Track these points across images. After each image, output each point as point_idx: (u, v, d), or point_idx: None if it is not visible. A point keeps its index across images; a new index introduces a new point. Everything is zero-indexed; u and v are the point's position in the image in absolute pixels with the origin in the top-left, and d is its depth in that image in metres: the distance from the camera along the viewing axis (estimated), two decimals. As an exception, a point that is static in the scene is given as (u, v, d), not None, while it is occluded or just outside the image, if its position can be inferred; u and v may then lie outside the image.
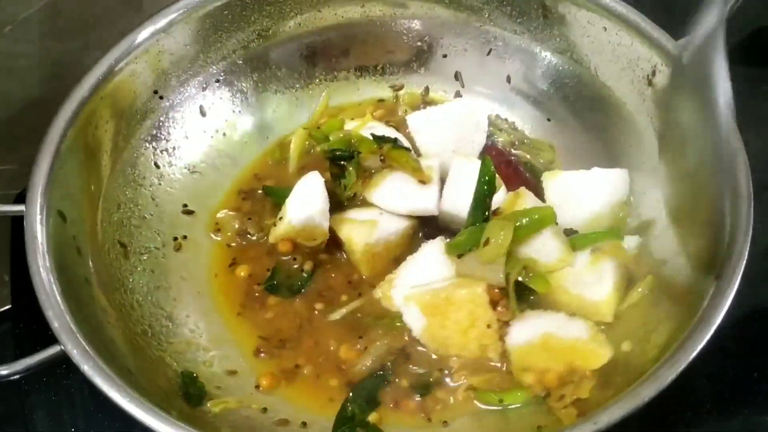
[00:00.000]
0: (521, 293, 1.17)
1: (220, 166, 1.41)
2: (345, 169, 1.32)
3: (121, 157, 1.29)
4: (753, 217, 1.06)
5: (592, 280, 1.17)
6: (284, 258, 1.29)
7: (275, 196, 1.34)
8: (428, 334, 1.17)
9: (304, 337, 1.22)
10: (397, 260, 1.25)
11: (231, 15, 1.38)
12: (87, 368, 0.94)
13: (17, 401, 1.24)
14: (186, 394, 1.10)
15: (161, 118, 1.36)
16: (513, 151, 1.41)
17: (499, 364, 1.16)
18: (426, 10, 1.47)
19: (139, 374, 1.05)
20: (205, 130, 1.41)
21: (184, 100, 1.39)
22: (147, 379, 1.06)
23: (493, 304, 1.14)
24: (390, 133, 1.36)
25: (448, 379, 1.16)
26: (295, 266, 1.28)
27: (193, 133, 1.40)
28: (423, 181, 1.29)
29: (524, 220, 1.16)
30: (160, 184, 1.34)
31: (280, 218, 1.26)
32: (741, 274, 1.01)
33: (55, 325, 0.98)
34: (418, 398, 1.15)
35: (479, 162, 1.25)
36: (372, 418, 1.12)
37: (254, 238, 1.33)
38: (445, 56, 1.50)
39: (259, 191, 1.38)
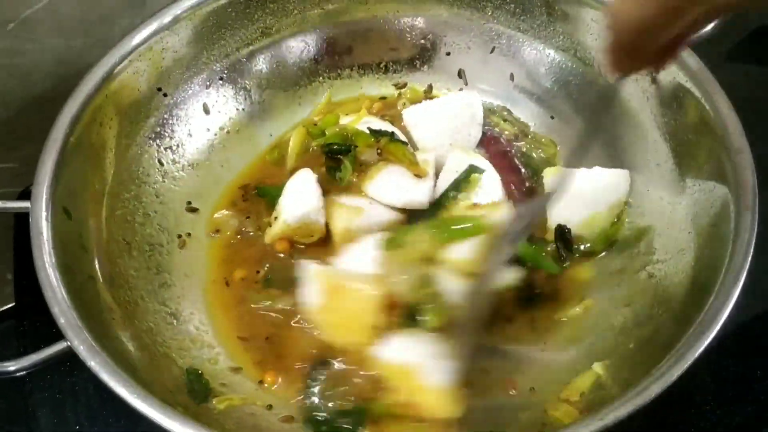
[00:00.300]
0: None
1: (224, 164, 1.41)
2: (341, 162, 1.33)
3: (125, 154, 1.29)
4: (758, 215, 1.06)
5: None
6: (281, 256, 1.29)
7: (269, 196, 1.34)
8: (320, 314, 1.17)
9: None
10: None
11: (234, 13, 1.38)
12: (94, 364, 0.94)
13: (21, 399, 1.23)
14: (191, 390, 1.10)
15: (165, 116, 1.36)
16: (515, 143, 1.41)
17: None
18: (429, 7, 1.47)
19: (144, 371, 1.05)
20: (209, 127, 1.41)
21: (187, 98, 1.38)
22: (152, 375, 1.06)
23: (391, 308, 1.14)
24: (386, 127, 1.36)
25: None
26: (293, 261, 1.28)
27: (196, 130, 1.40)
28: (418, 175, 1.29)
29: (454, 229, 1.17)
30: (163, 182, 1.34)
31: (275, 218, 1.27)
32: (746, 271, 1.00)
33: (62, 321, 0.98)
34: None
35: (476, 156, 1.28)
36: None
37: (252, 235, 1.33)
38: (448, 54, 1.50)
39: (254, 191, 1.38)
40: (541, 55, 1.44)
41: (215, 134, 1.42)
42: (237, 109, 1.44)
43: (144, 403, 0.92)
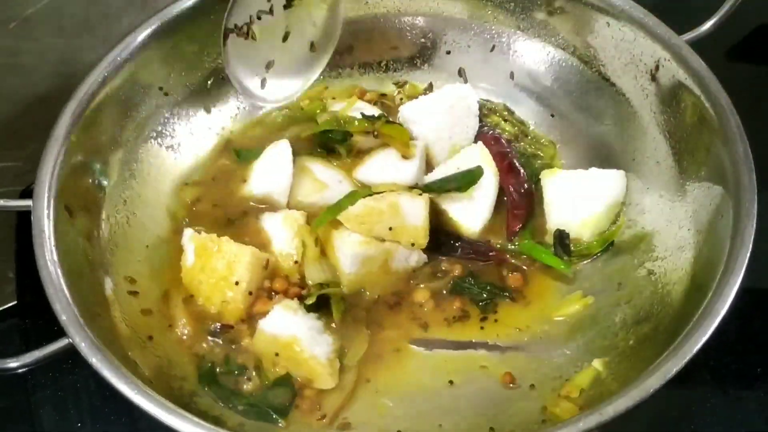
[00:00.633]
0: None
1: (225, 164, 1.40)
2: (336, 150, 1.34)
3: (127, 153, 1.30)
4: (757, 212, 1.06)
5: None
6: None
7: (246, 160, 1.36)
8: (188, 273, 1.20)
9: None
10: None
11: (236, 12, 1.39)
12: (95, 361, 0.95)
13: (23, 397, 1.24)
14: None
15: (166, 115, 1.36)
16: (515, 144, 1.40)
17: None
18: (430, 6, 1.47)
19: (145, 367, 1.06)
20: (210, 126, 1.42)
21: (188, 97, 1.39)
22: (153, 371, 1.07)
23: (284, 281, 1.21)
24: (377, 112, 1.38)
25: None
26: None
27: (198, 129, 1.40)
28: (406, 157, 1.31)
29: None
30: (165, 181, 1.35)
31: (244, 180, 1.32)
32: (744, 268, 1.01)
33: (63, 318, 0.98)
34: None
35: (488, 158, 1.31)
36: None
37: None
38: (448, 53, 1.50)
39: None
40: (541, 53, 1.44)
41: (217, 133, 1.43)
42: (238, 108, 1.45)
43: (145, 399, 0.92)
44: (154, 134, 1.35)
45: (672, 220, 1.22)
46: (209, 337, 1.18)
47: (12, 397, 1.29)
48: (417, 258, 1.26)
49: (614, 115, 1.37)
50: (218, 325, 1.18)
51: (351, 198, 1.22)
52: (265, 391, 1.12)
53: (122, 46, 1.27)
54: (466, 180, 1.28)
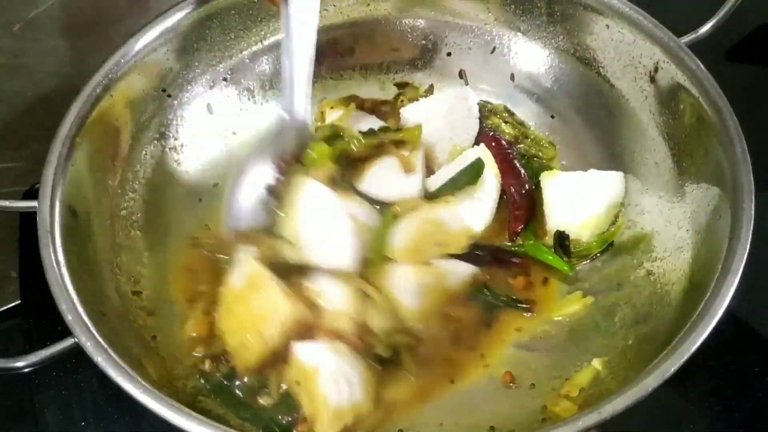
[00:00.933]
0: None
1: (228, 165, 1.41)
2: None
3: (130, 154, 1.30)
4: (755, 213, 1.06)
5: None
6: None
7: None
8: (228, 293, 1.15)
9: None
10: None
11: (238, 14, 1.39)
12: (101, 360, 0.95)
13: (27, 397, 1.24)
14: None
15: (169, 116, 1.37)
16: (515, 145, 1.41)
17: None
18: (431, 8, 1.48)
19: (148, 366, 1.07)
20: (213, 128, 1.43)
21: (191, 99, 1.39)
22: (157, 371, 1.08)
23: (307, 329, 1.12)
24: (373, 121, 1.40)
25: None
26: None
27: (201, 131, 1.41)
28: (407, 168, 1.31)
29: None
30: (168, 182, 1.35)
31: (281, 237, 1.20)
32: (742, 268, 1.01)
33: (69, 317, 0.99)
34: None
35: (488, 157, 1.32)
36: None
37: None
38: (449, 54, 1.51)
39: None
40: (541, 55, 1.44)
41: (219, 134, 1.43)
42: (240, 110, 1.45)
43: (150, 398, 0.93)
44: (158, 136, 1.35)
45: (671, 220, 1.23)
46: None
47: (16, 396, 1.30)
48: (467, 270, 1.25)
49: (613, 116, 1.37)
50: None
51: (386, 227, 1.20)
52: (272, 408, 1.12)
53: (126, 48, 1.27)
54: (472, 173, 1.29)
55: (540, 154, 1.41)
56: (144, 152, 1.33)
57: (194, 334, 1.17)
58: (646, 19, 1.29)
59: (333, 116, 1.43)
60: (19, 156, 1.48)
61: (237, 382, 1.12)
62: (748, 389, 1.23)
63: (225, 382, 1.13)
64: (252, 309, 1.11)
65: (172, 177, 1.36)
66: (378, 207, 1.29)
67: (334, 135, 1.34)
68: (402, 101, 1.49)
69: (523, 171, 1.34)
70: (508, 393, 1.14)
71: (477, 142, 1.39)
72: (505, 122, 1.44)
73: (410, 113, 1.41)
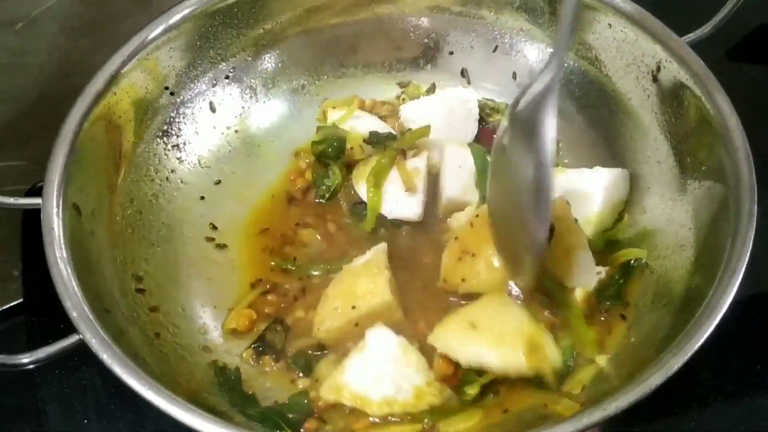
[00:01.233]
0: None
1: (231, 162, 1.42)
2: (329, 168, 1.36)
3: (134, 152, 1.30)
4: (758, 212, 1.07)
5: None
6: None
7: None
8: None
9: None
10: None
11: (240, 12, 1.40)
12: (106, 357, 0.95)
13: (30, 394, 1.25)
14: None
15: (172, 114, 1.37)
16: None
17: None
18: (433, 7, 1.48)
19: (152, 363, 1.07)
20: (216, 125, 1.43)
21: (194, 97, 1.40)
22: (161, 367, 1.08)
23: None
24: (376, 123, 1.40)
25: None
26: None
27: (203, 128, 1.41)
28: (409, 189, 1.31)
29: None
30: (171, 180, 1.36)
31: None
32: (744, 267, 1.02)
33: (74, 314, 0.99)
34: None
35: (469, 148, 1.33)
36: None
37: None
38: (451, 53, 1.51)
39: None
40: (543, 54, 1.45)
41: (222, 132, 1.43)
42: (243, 107, 1.46)
43: (156, 394, 0.93)
44: (161, 133, 1.35)
45: (673, 219, 1.23)
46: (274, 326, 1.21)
47: (19, 394, 1.30)
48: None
49: (615, 115, 1.37)
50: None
51: None
52: (281, 405, 1.13)
53: (129, 46, 1.27)
54: None
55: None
56: (147, 150, 1.33)
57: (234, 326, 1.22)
58: (649, 18, 1.29)
59: (335, 116, 1.43)
60: (21, 155, 1.48)
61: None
62: (750, 387, 1.23)
63: (233, 378, 1.14)
64: (358, 285, 1.18)
65: (175, 174, 1.36)
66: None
67: (335, 137, 1.35)
68: (403, 99, 1.49)
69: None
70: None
71: (477, 138, 1.40)
72: (508, 119, 1.44)
73: (410, 111, 1.41)
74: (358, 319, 1.16)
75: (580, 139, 1.42)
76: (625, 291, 1.22)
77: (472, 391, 1.11)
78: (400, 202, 1.31)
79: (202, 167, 1.40)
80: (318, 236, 1.34)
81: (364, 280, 1.18)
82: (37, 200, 1.11)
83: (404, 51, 1.52)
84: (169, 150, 1.36)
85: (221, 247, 1.33)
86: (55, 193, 1.11)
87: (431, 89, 1.51)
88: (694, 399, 1.21)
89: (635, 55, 1.32)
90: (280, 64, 1.47)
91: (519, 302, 1.15)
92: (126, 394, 0.94)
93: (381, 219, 1.32)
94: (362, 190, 1.33)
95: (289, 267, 1.30)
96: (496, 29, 1.47)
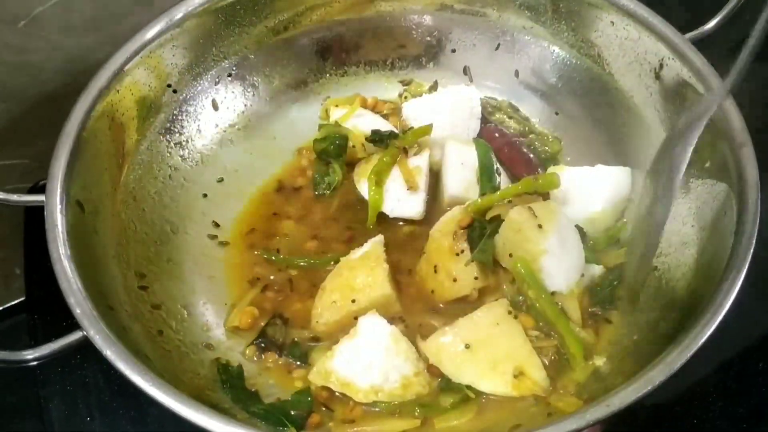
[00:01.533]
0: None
1: (233, 160, 1.42)
2: (330, 165, 1.37)
3: (136, 149, 1.31)
4: (760, 209, 1.07)
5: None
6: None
7: None
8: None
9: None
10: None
11: (243, 10, 1.40)
12: (109, 353, 0.96)
13: (33, 391, 1.25)
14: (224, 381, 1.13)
15: (175, 112, 1.37)
16: (520, 138, 1.42)
17: None
18: (436, 5, 1.48)
19: (155, 360, 1.07)
20: (218, 123, 1.43)
21: (197, 94, 1.40)
22: (164, 363, 1.09)
23: None
24: (378, 121, 1.40)
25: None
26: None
27: (206, 126, 1.41)
28: (411, 187, 1.31)
29: None
30: (174, 177, 1.35)
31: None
32: (748, 264, 1.02)
33: (78, 311, 0.99)
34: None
35: (472, 144, 1.33)
36: None
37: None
38: (454, 51, 1.51)
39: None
40: (545, 51, 1.45)
41: (224, 130, 1.44)
42: (245, 105, 1.46)
43: (160, 391, 0.93)
44: (163, 131, 1.36)
45: (676, 216, 1.23)
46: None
47: (21, 392, 1.30)
48: None
49: (618, 113, 1.38)
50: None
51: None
52: (283, 402, 1.13)
53: (132, 44, 1.28)
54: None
55: (546, 148, 1.41)
56: (150, 147, 1.33)
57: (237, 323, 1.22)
58: (652, 16, 1.29)
59: (337, 114, 1.43)
60: (24, 153, 1.48)
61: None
62: (752, 385, 1.23)
63: (236, 376, 1.14)
64: (356, 278, 1.19)
65: (178, 172, 1.36)
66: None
67: (337, 135, 1.36)
68: (405, 97, 1.49)
69: (532, 155, 1.36)
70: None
71: (479, 136, 1.40)
72: (510, 118, 1.44)
73: (412, 109, 1.42)
74: (357, 313, 1.16)
75: (582, 136, 1.42)
76: (617, 295, 1.22)
77: (445, 402, 1.12)
78: (401, 200, 1.31)
79: (205, 165, 1.40)
80: (301, 227, 1.35)
81: (363, 273, 1.19)
82: (40, 197, 1.11)
83: (407, 49, 1.52)
84: (171, 147, 1.36)
85: (223, 244, 1.33)
86: (58, 190, 1.11)
87: (433, 87, 1.51)
88: (695, 395, 1.21)
89: (638, 53, 1.32)
90: (282, 62, 1.47)
91: (513, 314, 1.15)
92: (128, 391, 0.95)
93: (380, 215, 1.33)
94: (364, 188, 1.33)
95: (273, 258, 1.30)
96: (499, 27, 1.47)
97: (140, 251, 1.24)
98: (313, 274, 1.28)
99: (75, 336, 1.00)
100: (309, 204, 1.38)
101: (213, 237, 1.33)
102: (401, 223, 1.33)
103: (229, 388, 1.12)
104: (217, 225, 1.35)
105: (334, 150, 1.36)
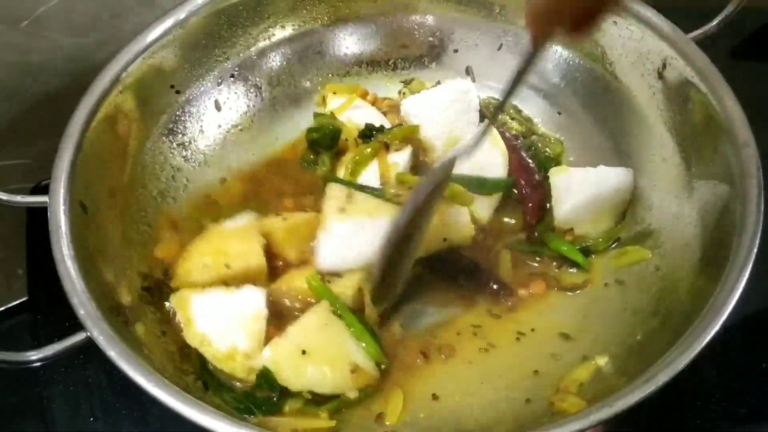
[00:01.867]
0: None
1: (236, 160, 1.42)
2: (319, 156, 1.37)
3: (139, 150, 1.30)
4: (764, 209, 1.07)
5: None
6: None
7: None
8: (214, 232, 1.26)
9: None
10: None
11: (245, 11, 1.40)
12: (113, 354, 0.96)
13: (35, 392, 1.25)
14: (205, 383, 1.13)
15: (177, 113, 1.37)
16: (522, 140, 1.42)
17: None
18: (438, 5, 1.48)
19: (158, 361, 1.07)
20: (221, 124, 1.43)
21: (199, 95, 1.40)
22: (166, 366, 1.09)
23: None
24: (375, 115, 1.40)
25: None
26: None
27: (208, 127, 1.41)
28: (385, 183, 1.31)
29: None
30: (177, 178, 1.36)
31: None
32: (751, 264, 1.02)
33: (81, 312, 0.99)
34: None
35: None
36: None
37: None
38: (456, 51, 1.51)
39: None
40: (548, 51, 1.43)
41: (227, 130, 1.43)
42: (248, 106, 1.46)
43: (164, 392, 0.93)
44: (166, 132, 1.35)
45: (679, 217, 1.23)
46: None
47: (24, 392, 1.29)
48: None
49: (621, 113, 1.37)
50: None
51: None
52: (250, 388, 1.13)
53: (134, 45, 1.27)
54: (500, 186, 1.32)
55: (547, 150, 1.41)
56: (152, 148, 1.33)
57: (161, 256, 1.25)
58: (655, 16, 1.28)
59: (334, 103, 1.43)
60: (26, 153, 1.48)
61: None
62: (755, 385, 1.23)
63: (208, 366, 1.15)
64: (229, 246, 1.21)
65: (180, 173, 1.36)
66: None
67: (331, 127, 1.36)
68: (404, 94, 1.50)
69: (531, 162, 1.36)
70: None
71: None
72: (512, 118, 1.44)
73: (411, 105, 1.41)
74: (228, 278, 1.19)
75: (584, 136, 1.42)
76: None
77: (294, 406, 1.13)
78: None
79: (208, 165, 1.40)
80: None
81: (237, 243, 1.22)
82: (43, 198, 1.11)
83: (409, 49, 1.52)
84: (174, 148, 1.36)
85: None
86: (61, 190, 1.11)
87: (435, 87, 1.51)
88: (698, 397, 1.21)
89: (641, 53, 1.31)
90: (285, 63, 1.47)
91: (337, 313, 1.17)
92: (131, 392, 0.95)
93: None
94: (341, 175, 1.33)
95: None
96: (501, 27, 1.47)
97: (143, 252, 1.24)
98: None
99: (79, 337, 1.00)
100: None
101: None
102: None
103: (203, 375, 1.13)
104: None
105: (325, 142, 1.36)
